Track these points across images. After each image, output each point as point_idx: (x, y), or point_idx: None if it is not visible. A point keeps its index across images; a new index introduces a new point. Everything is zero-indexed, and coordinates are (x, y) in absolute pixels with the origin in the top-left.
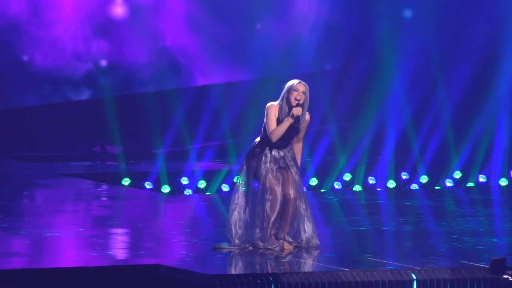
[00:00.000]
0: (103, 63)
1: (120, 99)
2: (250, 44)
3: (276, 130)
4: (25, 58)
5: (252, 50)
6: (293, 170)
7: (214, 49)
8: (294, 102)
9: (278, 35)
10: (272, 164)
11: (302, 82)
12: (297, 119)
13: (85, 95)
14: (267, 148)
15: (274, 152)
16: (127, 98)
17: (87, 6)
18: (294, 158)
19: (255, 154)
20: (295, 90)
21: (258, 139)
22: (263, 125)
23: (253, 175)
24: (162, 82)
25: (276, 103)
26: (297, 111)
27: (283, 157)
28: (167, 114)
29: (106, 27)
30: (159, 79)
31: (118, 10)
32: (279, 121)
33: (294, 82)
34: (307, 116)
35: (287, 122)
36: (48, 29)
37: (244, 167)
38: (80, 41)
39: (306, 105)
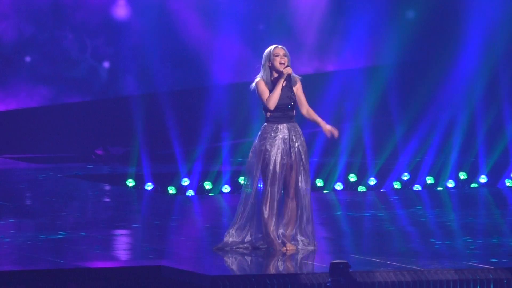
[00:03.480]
0: (106, 64)
1: (125, 100)
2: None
3: (271, 95)
4: (27, 59)
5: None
6: (300, 165)
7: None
8: (280, 67)
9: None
10: (279, 147)
11: (279, 46)
12: (289, 78)
13: (88, 96)
14: (272, 126)
15: (281, 129)
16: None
17: (89, 5)
18: (303, 144)
19: (263, 133)
20: (276, 55)
21: (264, 123)
22: (262, 106)
23: (260, 168)
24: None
25: (259, 77)
26: (286, 70)
27: (289, 136)
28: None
29: (110, 27)
30: (164, 79)
31: (122, 10)
32: (271, 92)
33: (270, 48)
34: (296, 78)
35: (279, 84)
36: (51, 29)
37: (250, 166)
38: (83, 42)
39: (289, 66)
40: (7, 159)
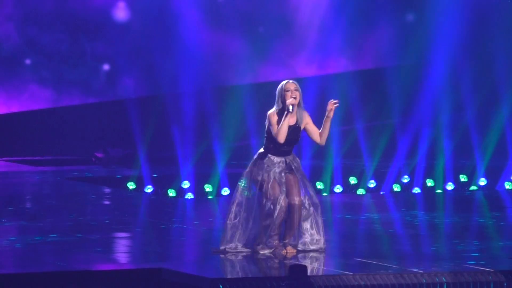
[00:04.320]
0: (106, 66)
1: (124, 102)
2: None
3: (279, 129)
4: (27, 61)
5: None
6: (299, 175)
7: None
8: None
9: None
10: (277, 168)
11: (290, 81)
12: (292, 109)
13: (88, 98)
14: (271, 156)
15: (279, 159)
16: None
17: (90, 8)
18: (299, 166)
19: (258, 163)
20: (287, 91)
21: (261, 149)
22: (265, 134)
23: (258, 185)
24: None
25: (273, 109)
26: (289, 102)
27: (288, 164)
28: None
29: (110, 29)
30: (165, 81)
31: (121, 12)
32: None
33: (282, 84)
34: (305, 114)
35: (286, 117)
36: (52, 32)
37: (249, 173)
38: (84, 44)
39: (301, 102)
40: (8, 161)
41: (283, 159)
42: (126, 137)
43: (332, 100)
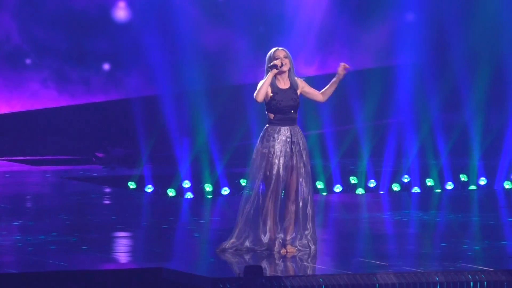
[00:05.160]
0: (107, 66)
1: (126, 102)
2: None
3: (259, 86)
4: (28, 61)
5: None
6: (301, 167)
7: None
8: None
9: None
10: (281, 149)
11: (280, 48)
12: (275, 67)
13: (89, 98)
14: (275, 126)
15: (283, 132)
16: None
17: (91, 8)
18: (304, 146)
19: (265, 137)
20: (277, 58)
21: (266, 125)
22: (265, 106)
23: (265, 159)
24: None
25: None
26: (274, 62)
27: (292, 139)
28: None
29: (111, 28)
30: (166, 81)
31: (122, 11)
32: (273, 95)
33: (272, 51)
34: (299, 80)
35: (269, 76)
36: (53, 32)
37: (252, 168)
38: (85, 43)
39: (292, 69)
40: (10, 161)
41: (287, 128)
42: (127, 136)
43: (343, 63)
